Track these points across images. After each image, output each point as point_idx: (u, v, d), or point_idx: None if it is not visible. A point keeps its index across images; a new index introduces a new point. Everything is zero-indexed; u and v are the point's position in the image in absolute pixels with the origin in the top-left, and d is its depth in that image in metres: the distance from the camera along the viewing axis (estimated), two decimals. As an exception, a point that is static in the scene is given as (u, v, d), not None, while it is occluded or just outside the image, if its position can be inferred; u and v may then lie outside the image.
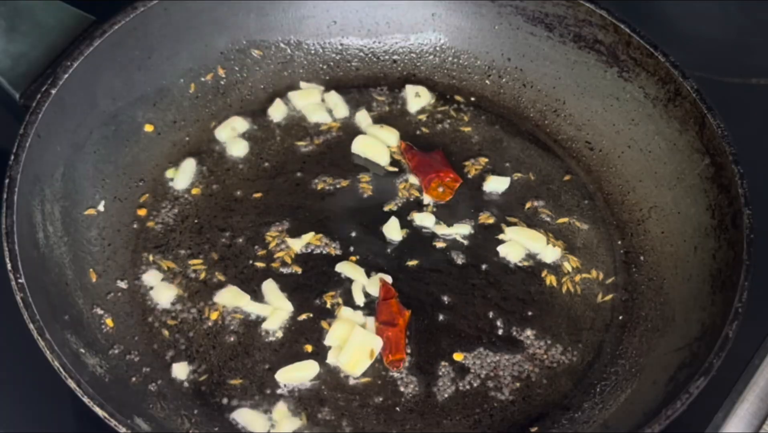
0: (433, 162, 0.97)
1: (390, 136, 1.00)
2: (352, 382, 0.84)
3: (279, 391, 0.83)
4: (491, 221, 0.95)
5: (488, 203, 0.96)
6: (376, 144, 0.99)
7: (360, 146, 0.99)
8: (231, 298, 0.88)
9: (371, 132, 1.01)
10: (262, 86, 1.04)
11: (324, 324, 0.87)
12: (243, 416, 0.81)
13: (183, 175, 0.96)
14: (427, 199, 0.96)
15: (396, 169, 0.99)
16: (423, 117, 1.03)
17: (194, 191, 0.96)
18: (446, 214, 0.95)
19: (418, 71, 1.06)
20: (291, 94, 1.03)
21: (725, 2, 1.12)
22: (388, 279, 0.90)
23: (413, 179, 0.97)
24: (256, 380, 0.84)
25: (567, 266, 0.92)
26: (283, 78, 1.05)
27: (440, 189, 0.96)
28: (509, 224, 0.94)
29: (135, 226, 0.92)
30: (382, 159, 0.99)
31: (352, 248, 0.92)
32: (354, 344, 0.84)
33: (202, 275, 0.89)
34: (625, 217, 0.95)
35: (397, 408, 0.82)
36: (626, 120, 0.97)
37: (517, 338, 0.87)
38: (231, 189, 0.96)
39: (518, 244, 0.92)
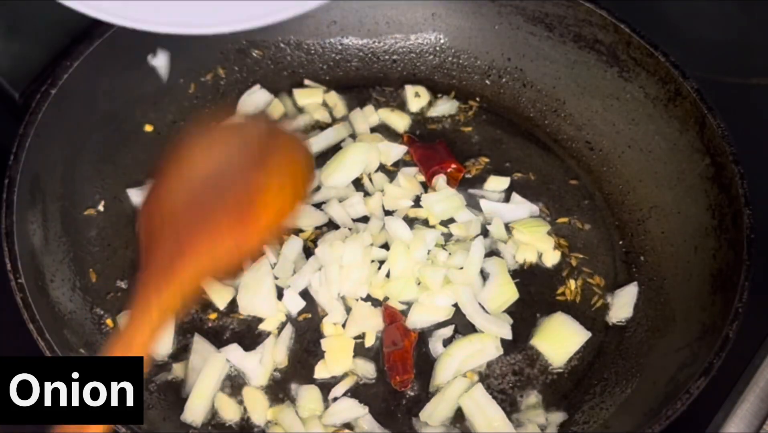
0: (435, 154, 0.97)
1: (400, 121, 1.01)
2: (351, 384, 0.83)
3: (280, 394, 0.83)
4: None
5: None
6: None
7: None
8: (229, 298, 0.87)
9: (382, 116, 1.01)
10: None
11: (323, 324, 0.86)
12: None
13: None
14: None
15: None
16: (422, 117, 1.03)
17: (194, 191, 0.95)
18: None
19: (418, 71, 1.06)
20: (296, 92, 1.03)
21: (725, 2, 1.12)
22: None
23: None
24: (256, 380, 0.83)
25: (567, 266, 0.92)
26: (283, 78, 1.04)
27: (444, 179, 0.96)
28: (510, 225, 0.94)
29: (134, 226, 0.91)
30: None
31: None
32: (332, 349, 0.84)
33: (202, 275, 0.89)
34: (625, 217, 0.95)
35: (397, 409, 0.82)
36: (626, 120, 0.97)
37: (517, 338, 0.86)
38: (231, 189, 0.96)
39: (520, 244, 0.92)
